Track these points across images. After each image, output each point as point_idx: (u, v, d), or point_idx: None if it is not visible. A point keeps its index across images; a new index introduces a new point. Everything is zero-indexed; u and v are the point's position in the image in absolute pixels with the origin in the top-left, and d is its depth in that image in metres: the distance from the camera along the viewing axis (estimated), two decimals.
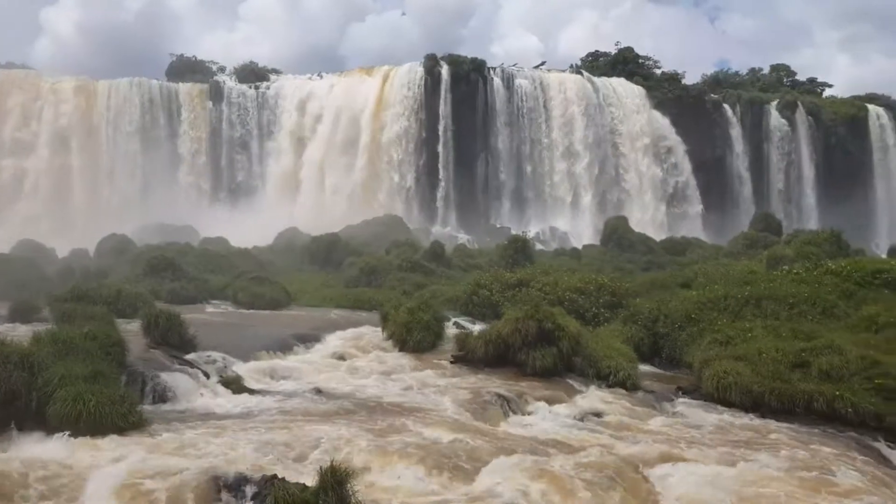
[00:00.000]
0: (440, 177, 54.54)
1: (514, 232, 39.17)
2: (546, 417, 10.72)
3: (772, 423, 10.59)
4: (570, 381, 12.86)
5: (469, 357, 13.74)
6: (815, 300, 15.31)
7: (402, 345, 15.08)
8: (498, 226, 53.53)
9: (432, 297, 20.26)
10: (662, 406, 11.67)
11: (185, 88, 57.86)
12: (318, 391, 11.42)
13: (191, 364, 11.99)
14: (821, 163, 64.81)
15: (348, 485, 5.83)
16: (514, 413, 10.91)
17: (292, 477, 6.80)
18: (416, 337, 15.00)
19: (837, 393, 10.86)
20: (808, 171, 64.71)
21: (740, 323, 14.48)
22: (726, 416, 10.95)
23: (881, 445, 10.12)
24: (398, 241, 35.00)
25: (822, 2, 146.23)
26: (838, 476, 8.29)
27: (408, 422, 9.48)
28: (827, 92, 74.02)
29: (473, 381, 12.48)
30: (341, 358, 14.33)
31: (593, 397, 11.83)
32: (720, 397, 11.62)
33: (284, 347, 14.69)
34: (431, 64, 56.02)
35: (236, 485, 6.87)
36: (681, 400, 12.05)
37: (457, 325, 17.73)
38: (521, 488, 7.32)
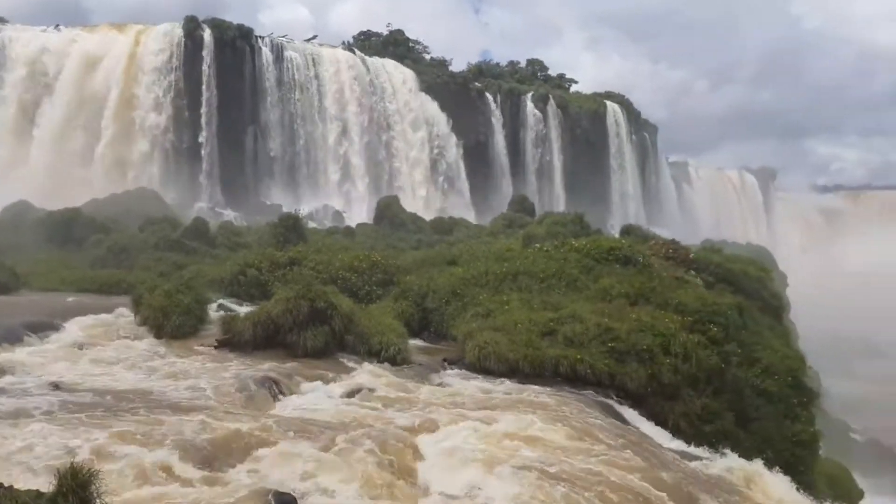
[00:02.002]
0: (203, 149, 51.09)
1: (285, 210, 38.17)
2: (318, 398, 10.63)
3: (525, 386, 11.57)
4: (343, 360, 12.88)
5: (236, 341, 13.11)
6: (562, 275, 16.95)
7: (159, 331, 13.83)
8: (268, 203, 51.83)
9: (194, 277, 18.96)
10: (430, 377, 12.19)
11: None
12: (56, 387, 10.03)
13: None
14: (568, 152, 71.85)
15: (92, 487, 5.22)
16: (285, 396, 10.68)
17: (26, 484, 5.97)
18: (174, 322, 13.84)
19: (579, 357, 12.20)
20: (558, 158, 71.40)
21: (499, 297, 15.58)
22: (486, 383, 11.76)
23: (613, 402, 11.59)
24: (154, 217, 32.12)
25: (571, 4, 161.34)
26: (577, 426, 9.29)
27: (162, 415, 8.71)
28: (574, 88, 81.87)
29: (240, 365, 11.96)
30: (84, 348, 12.69)
31: (365, 374, 11.96)
32: (481, 366, 12.45)
33: (12, 338, 12.63)
34: (192, 27, 51.84)
35: None
36: (447, 371, 12.69)
37: (222, 307, 16.81)
38: (291, 471, 7.19)
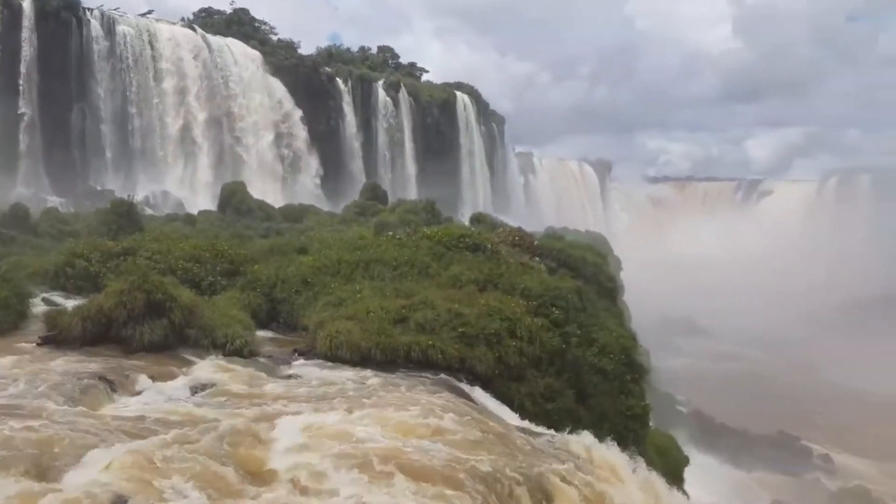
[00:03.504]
0: (21, 128, 46.40)
1: (118, 195, 35.47)
2: (157, 395, 9.98)
3: (378, 374, 11.54)
4: (185, 354, 12.19)
5: (63, 337, 12.00)
6: (414, 262, 17.10)
7: None
8: (99, 188, 48.00)
9: (12, 269, 17.13)
10: (280, 369, 11.84)
11: None
12: None
13: None
14: (419, 140, 72.66)
15: None
16: (120, 394, 9.93)
17: None
18: None
19: (430, 342, 12.36)
20: (409, 146, 72.01)
21: (351, 285, 15.43)
22: (338, 373, 11.59)
23: (463, 385, 11.86)
24: None
25: None
26: (428, 410, 9.41)
27: None
28: (424, 76, 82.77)
29: (68, 363, 10.95)
30: None
31: (209, 368, 11.40)
32: (333, 355, 12.26)
33: None
34: None
35: None
36: (297, 362, 12.38)
37: (47, 301, 15.36)
38: (125, 475, 6.69)
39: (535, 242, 23.16)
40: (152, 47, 52.78)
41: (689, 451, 28.39)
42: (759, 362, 70.01)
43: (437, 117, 74.92)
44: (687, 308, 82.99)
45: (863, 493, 38.88)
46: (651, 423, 18.75)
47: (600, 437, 10.43)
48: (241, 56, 58.68)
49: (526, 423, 11.13)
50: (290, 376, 11.49)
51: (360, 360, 12.18)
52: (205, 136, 54.06)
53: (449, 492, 7.02)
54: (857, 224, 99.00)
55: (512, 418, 11.21)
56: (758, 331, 77.92)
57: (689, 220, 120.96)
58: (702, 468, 32.15)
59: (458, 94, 79.31)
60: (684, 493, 16.94)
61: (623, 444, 11.22)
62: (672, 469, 18.98)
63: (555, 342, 13.91)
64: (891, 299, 78.94)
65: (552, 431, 10.55)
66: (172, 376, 10.83)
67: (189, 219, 34.32)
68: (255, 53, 59.98)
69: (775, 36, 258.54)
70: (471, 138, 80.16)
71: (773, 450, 45.15)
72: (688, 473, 23.10)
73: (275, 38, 66.71)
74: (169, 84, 52.87)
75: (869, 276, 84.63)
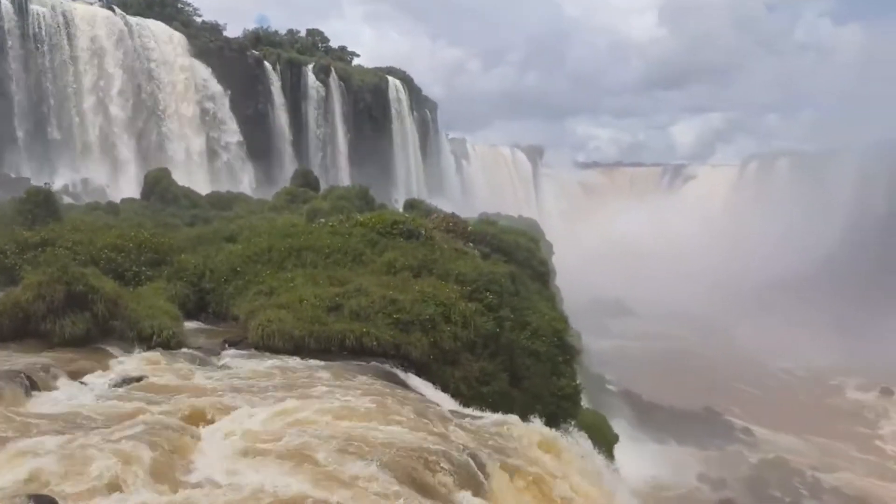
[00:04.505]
0: None
1: (34, 183, 33.76)
2: (81, 390, 9.63)
3: (312, 363, 11.45)
4: (109, 348, 11.79)
5: None
6: (347, 249, 16.98)
7: None
8: (13, 176, 45.56)
9: None
10: (209, 360, 11.58)
11: None
12: None
13: None
14: (351, 125, 71.78)
15: None
16: (41, 390, 9.52)
17: None
18: None
19: (365, 329, 12.33)
20: (341, 131, 71.06)
21: (283, 273, 15.21)
22: (270, 362, 11.43)
23: (398, 371, 11.89)
24: None
25: None
26: (363, 396, 9.41)
27: None
28: (355, 61, 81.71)
29: None
30: None
31: (135, 361, 11.07)
32: (265, 345, 12.10)
33: None
34: None
35: None
36: (228, 352, 12.14)
37: None
38: (45, 472, 6.45)
39: (469, 228, 23.34)
40: (68, 28, 50.25)
41: (619, 428, 29.30)
42: (684, 341, 72.68)
43: (370, 102, 74.13)
44: (616, 290, 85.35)
45: (782, 463, 41.09)
46: (582, 403, 19.26)
47: (534, 417, 10.66)
48: (163, 38, 56.50)
49: (460, 406, 11.26)
50: (220, 367, 11.26)
51: (294, 349, 12.06)
52: (127, 122, 51.95)
53: (377, 477, 7.03)
54: (776, 206, 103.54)
55: (447, 402, 11.32)
56: (683, 310, 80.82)
57: (618, 205, 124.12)
58: (631, 445, 33.25)
59: (391, 79, 78.71)
60: (615, 469, 17.49)
61: (555, 423, 11.50)
62: (602, 447, 19.55)
63: (489, 326, 14.10)
64: (807, 279, 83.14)
65: (487, 413, 10.71)
66: (98, 370, 10.46)
67: (112, 207, 33.02)
68: (179, 36, 57.85)
69: (698, 24, 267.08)
70: (403, 124, 79.78)
71: (698, 425, 47.07)
72: (618, 451, 23.85)
73: (199, 19, 64.57)
74: (86, 67, 50.49)
75: (787, 256, 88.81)
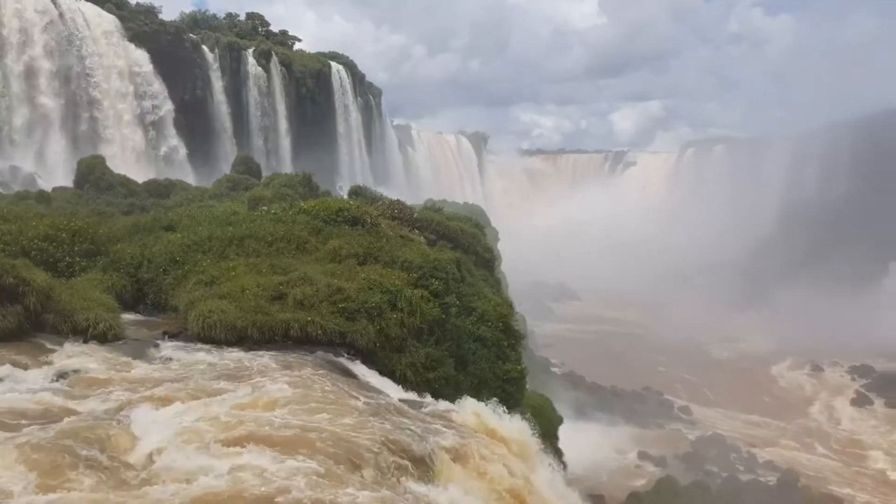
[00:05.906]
0: None
1: None
2: (12, 386, 9.27)
3: (254, 353, 11.28)
4: (42, 341, 11.37)
5: None
6: (291, 237, 16.72)
7: None
8: None
9: None
10: (148, 353, 11.29)
11: None
12: None
13: None
14: (293, 111, 70.52)
15: None
16: None
17: None
18: None
19: (310, 319, 12.19)
20: (283, 117, 69.78)
21: (225, 263, 14.89)
22: (212, 354, 11.23)
23: (343, 359, 11.83)
24: None
25: None
26: (313, 387, 9.35)
27: None
28: (297, 46, 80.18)
29: None
30: None
31: (70, 355, 10.72)
32: (206, 336, 11.84)
33: None
34: None
35: None
36: (167, 344, 11.85)
37: None
38: None
39: (415, 215, 23.30)
40: None
41: (563, 409, 29.90)
42: (625, 323, 74.55)
43: (312, 88, 72.88)
44: (560, 274, 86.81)
45: (719, 440, 42.68)
46: (528, 386, 19.56)
47: (479, 401, 10.78)
48: (95, 21, 54.28)
49: (407, 393, 11.30)
50: (158, 359, 11.00)
51: (236, 339, 11.86)
52: (58, 108, 49.83)
53: (318, 469, 7.02)
54: (713, 191, 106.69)
55: (393, 390, 11.33)
56: (624, 293, 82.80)
57: (562, 191, 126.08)
58: (575, 425, 33.99)
59: (333, 64, 77.58)
60: (558, 449, 17.85)
61: (501, 406, 11.64)
62: (547, 428, 19.94)
63: (435, 312, 14.14)
64: (745, 261, 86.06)
65: (432, 400, 10.78)
66: (29, 365, 10.09)
67: (43, 196, 31.73)
68: (112, 18, 55.65)
69: (637, 13, 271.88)
70: (347, 110, 78.88)
71: (639, 405, 48.46)
72: (562, 431, 24.35)
73: (133, 2, 62.24)
74: (13, 51, 48.18)
75: (725, 240, 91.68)
